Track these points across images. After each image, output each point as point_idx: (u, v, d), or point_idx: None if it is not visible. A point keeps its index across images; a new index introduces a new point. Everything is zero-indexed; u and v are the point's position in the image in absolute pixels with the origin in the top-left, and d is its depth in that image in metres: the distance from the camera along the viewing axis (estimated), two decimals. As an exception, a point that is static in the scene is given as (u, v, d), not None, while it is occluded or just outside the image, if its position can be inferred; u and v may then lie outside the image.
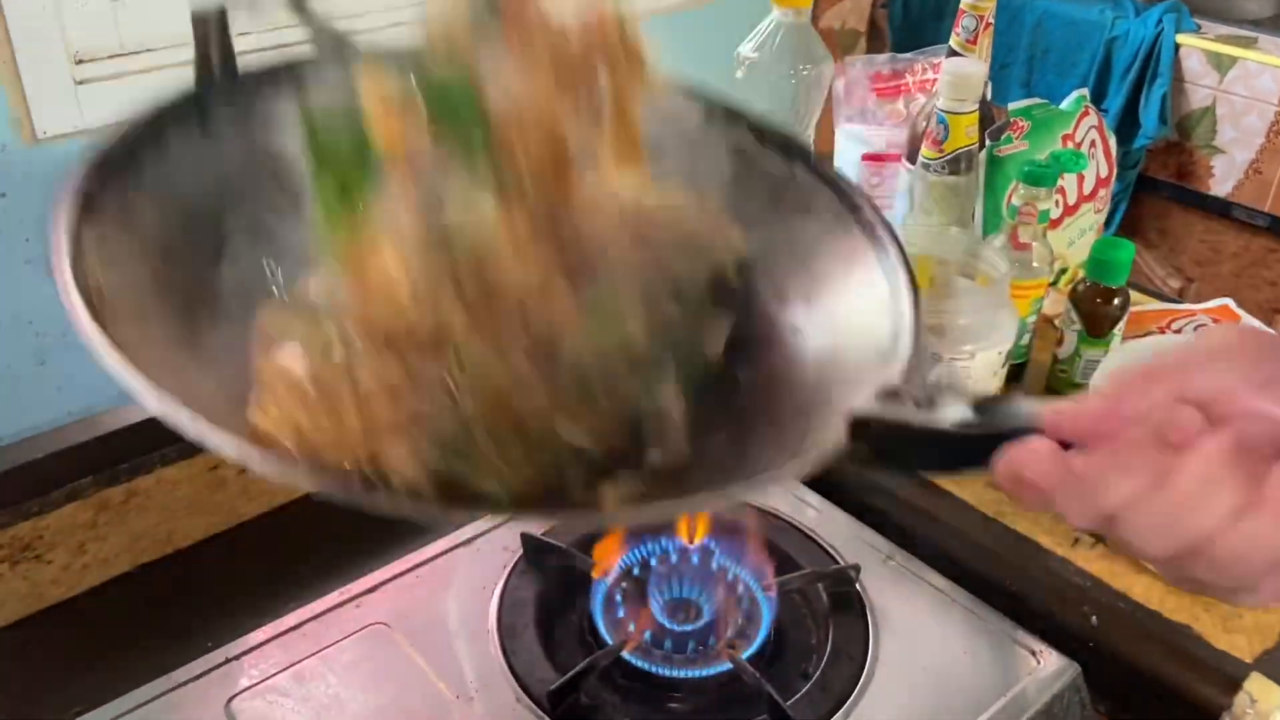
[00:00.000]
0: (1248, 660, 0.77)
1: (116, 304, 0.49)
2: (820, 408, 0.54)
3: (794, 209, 0.65)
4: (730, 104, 0.66)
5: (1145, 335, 1.07)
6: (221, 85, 0.64)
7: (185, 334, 0.54)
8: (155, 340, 0.51)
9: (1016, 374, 1.07)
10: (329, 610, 0.80)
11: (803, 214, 0.65)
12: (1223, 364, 0.43)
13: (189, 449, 0.85)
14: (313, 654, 0.77)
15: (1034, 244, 1.00)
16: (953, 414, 0.46)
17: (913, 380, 0.50)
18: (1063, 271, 1.14)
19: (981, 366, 0.94)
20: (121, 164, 0.56)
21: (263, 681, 0.75)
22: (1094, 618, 0.83)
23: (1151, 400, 0.42)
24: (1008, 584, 0.85)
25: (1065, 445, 0.43)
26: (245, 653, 0.77)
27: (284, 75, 0.61)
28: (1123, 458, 0.42)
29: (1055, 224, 1.10)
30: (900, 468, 0.52)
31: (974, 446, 0.45)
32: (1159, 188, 2.08)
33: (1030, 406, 0.46)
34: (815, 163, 0.65)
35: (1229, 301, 1.16)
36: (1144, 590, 0.84)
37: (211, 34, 0.63)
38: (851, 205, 0.63)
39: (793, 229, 0.65)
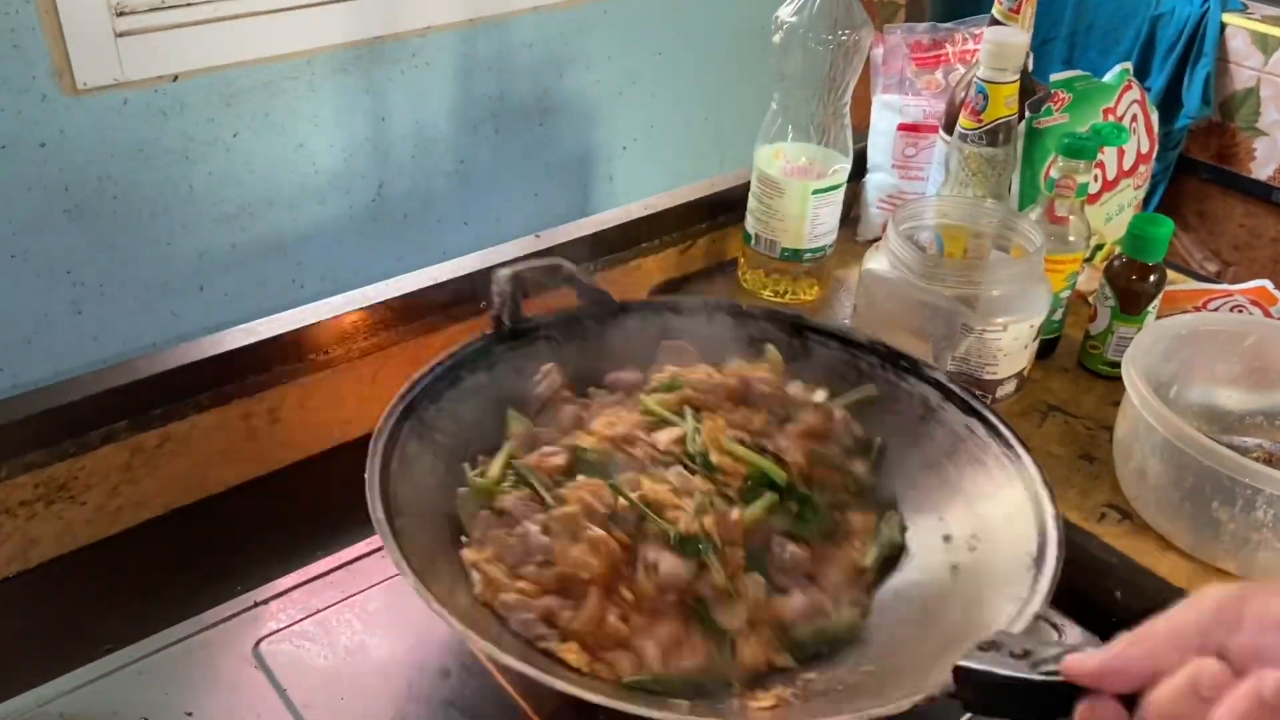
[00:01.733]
0: (1273, 640, 0.77)
1: (403, 501, 0.70)
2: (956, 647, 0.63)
3: (969, 460, 0.80)
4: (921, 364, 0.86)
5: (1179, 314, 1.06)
6: (507, 334, 0.85)
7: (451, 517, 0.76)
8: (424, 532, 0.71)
9: (1048, 349, 1.07)
10: (356, 560, 0.82)
11: (974, 465, 0.80)
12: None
13: (223, 396, 0.86)
14: (339, 601, 0.78)
15: (1071, 218, 0.99)
16: (1043, 666, 0.53)
17: (1010, 635, 0.57)
18: (1099, 248, 1.13)
19: (1012, 339, 0.94)
20: (428, 393, 0.79)
21: (290, 626, 0.76)
22: (1119, 593, 0.83)
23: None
24: (1032, 557, 0.84)
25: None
26: (274, 597, 0.78)
27: (551, 328, 0.87)
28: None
29: (1093, 199, 1.08)
30: (1000, 714, 0.57)
31: (1060, 695, 0.51)
32: (1199, 169, 2.05)
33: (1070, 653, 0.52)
34: (991, 423, 0.80)
35: (1266, 283, 1.14)
36: (1170, 568, 0.83)
37: (506, 295, 0.83)
38: (1018, 463, 0.77)
39: (964, 477, 0.80)
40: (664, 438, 0.78)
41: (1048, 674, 0.53)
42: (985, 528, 0.77)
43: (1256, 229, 2.01)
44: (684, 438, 0.78)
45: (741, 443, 0.78)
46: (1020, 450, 0.78)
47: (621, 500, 0.72)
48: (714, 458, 0.76)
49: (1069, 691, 0.51)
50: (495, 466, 0.78)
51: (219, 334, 0.87)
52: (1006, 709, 0.56)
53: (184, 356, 0.84)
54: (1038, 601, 0.67)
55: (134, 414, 0.81)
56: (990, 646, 0.56)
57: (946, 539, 0.79)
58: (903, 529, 0.80)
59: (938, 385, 0.84)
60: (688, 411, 0.81)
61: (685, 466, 0.76)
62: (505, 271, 0.83)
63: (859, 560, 0.77)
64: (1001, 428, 0.80)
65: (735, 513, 0.73)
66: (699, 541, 0.71)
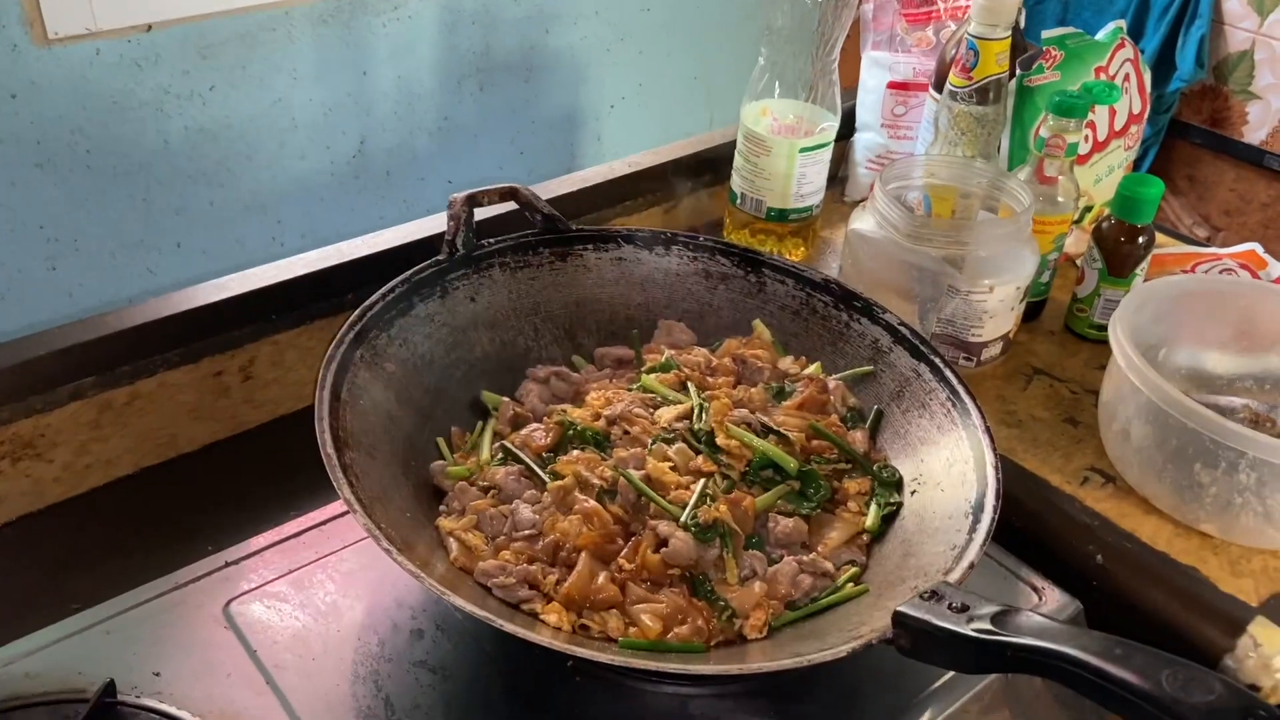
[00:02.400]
0: (1253, 604, 0.76)
1: (357, 436, 0.70)
2: (893, 591, 0.68)
3: (914, 404, 0.81)
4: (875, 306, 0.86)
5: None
6: (459, 261, 0.84)
7: (403, 457, 0.75)
8: (373, 463, 0.71)
9: (1034, 312, 1.05)
10: (330, 520, 0.80)
11: (920, 409, 0.80)
12: None
13: (193, 353, 0.84)
14: (312, 562, 0.77)
15: (1060, 178, 0.97)
16: (977, 622, 0.55)
17: (957, 586, 0.60)
18: (1087, 210, 1.11)
19: (998, 301, 0.92)
20: (379, 322, 0.78)
21: (262, 586, 0.75)
22: (1099, 556, 0.82)
23: None
24: (1014, 520, 0.84)
25: None
26: (246, 557, 0.77)
27: (506, 255, 0.87)
28: None
29: (1083, 159, 1.07)
30: (930, 661, 0.59)
31: (993, 653, 0.54)
32: (1190, 133, 2.03)
33: (1039, 621, 0.54)
34: (938, 368, 0.80)
35: (1256, 246, 1.13)
36: (1152, 531, 0.83)
37: (460, 220, 0.83)
38: (963, 410, 0.77)
39: (909, 421, 0.81)
40: (668, 414, 0.78)
41: (981, 631, 0.54)
42: (927, 472, 0.77)
43: (1247, 194, 2.00)
44: (690, 413, 0.78)
45: (747, 425, 0.78)
46: (965, 396, 0.78)
47: (621, 479, 0.73)
48: (719, 439, 0.76)
49: (998, 652, 0.53)
50: (485, 450, 0.78)
51: (190, 289, 0.85)
52: (940, 658, 0.57)
53: (153, 312, 0.82)
54: (974, 551, 0.67)
55: (102, 370, 0.80)
56: (931, 596, 0.58)
57: None
58: (899, 483, 0.79)
59: (889, 328, 0.84)
60: (691, 388, 0.81)
61: (689, 444, 0.76)
62: (459, 195, 0.82)
63: (858, 524, 0.76)
64: (948, 373, 0.80)
65: (748, 500, 0.73)
66: (718, 530, 0.71)
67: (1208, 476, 0.80)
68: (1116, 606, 0.80)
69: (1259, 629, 0.75)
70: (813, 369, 0.86)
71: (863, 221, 0.95)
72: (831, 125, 1.05)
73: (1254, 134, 1.95)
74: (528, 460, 0.76)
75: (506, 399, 0.83)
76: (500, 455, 0.77)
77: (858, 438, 0.81)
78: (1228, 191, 2.02)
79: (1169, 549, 0.81)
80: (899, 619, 0.58)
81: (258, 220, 1.36)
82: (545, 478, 0.74)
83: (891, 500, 0.77)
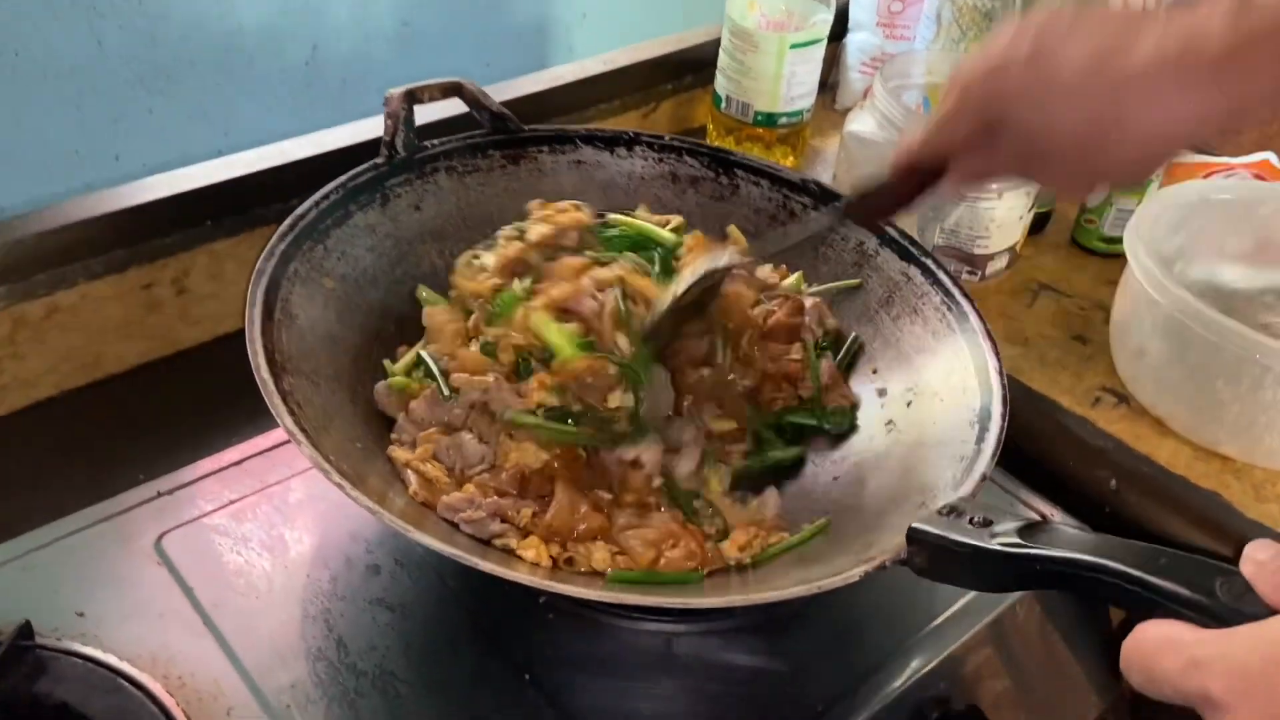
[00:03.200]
0: (1280, 530, 0.71)
1: (295, 360, 0.63)
2: (898, 509, 0.63)
3: (905, 310, 0.75)
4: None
5: (1182, 187, 0.98)
6: (400, 164, 0.76)
7: (348, 383, 0.68)
8: (316, 389, 0.64)
9: (1038, 225, 0.98)
10: (275, 447, 0.73)
11: (911, 314, 0.74)
12: None
13: (117, 262, 0.75)
14: (255, 492, 0.70)
15: (1072, 76, 0.90)
16: (1002, 537, 0.50)
17: (975, 501, 0.55)
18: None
19: (1007, 208, 0.85)
20: (313, 232, 0.70)
21: (198, 519, 0.68)
22: (1113, 481, 0.77)
23: None
24: (1021, 444, 0.77)
25: None
26: (181, 487, 0.70)
27: (452, 158, 0.79)
28: None
29: (1095, 58, 0.99)
30: (950, 580, 0.54)
31: (1021, 568, 0.49)
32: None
33: (1071, 533, 0.50)
34: (930, 270, 0.74)
35: (1270, 155, 1.07)
36: (1170, 454, 0.77)
37: (399, 118, 0.75)
38: (959, 315, 0.71)
39: (900, 328, 0.75)
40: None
41: (1008, 545, 0.50)
42: (923, 382, 0.72)
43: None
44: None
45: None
46: (961, 299, 0.72)
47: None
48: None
49: (1027, 566, 0.48)
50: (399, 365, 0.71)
51: (111, 189, 0.76)
52: (960, 577, 0.53)
53: (68, 215, 0.73)
54: (984, 462, 0.62)
55: (13, 280, 0.71)
56: (949, 512, 0.53)
57: (881, 393, 0.74)
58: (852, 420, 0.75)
59: (875, 230, 0.77)
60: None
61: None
62: (396, 91, 0.74)
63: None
64: (941, 275, 0.74)
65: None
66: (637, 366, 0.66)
67: (1230, 394, 0.74)
68: (1131, 533, 0.75)
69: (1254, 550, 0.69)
70: (792, 280, 0.79)
71: (860, 123, 0.87)
72: (824, 19, 0.97)
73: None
74: (437, 375, 0.68)
75: (443, 299, 0.75)
76: (422, 372, 0.70)
77: (825, 368, 0.74)
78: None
79: (1188, 472, 0.75)
80: (914, 536, 0.53)
81: (202, 132, 1.26)
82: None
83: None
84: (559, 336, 0.66)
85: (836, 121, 1.09)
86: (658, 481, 0.66)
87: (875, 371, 0.75)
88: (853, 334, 0.77)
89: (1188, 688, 0.37)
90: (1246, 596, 0.41)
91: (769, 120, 1.00)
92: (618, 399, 0.66)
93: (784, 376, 0.74)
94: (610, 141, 0.83)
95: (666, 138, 0.83)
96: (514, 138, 0.81)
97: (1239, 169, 1.05)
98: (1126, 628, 0.41)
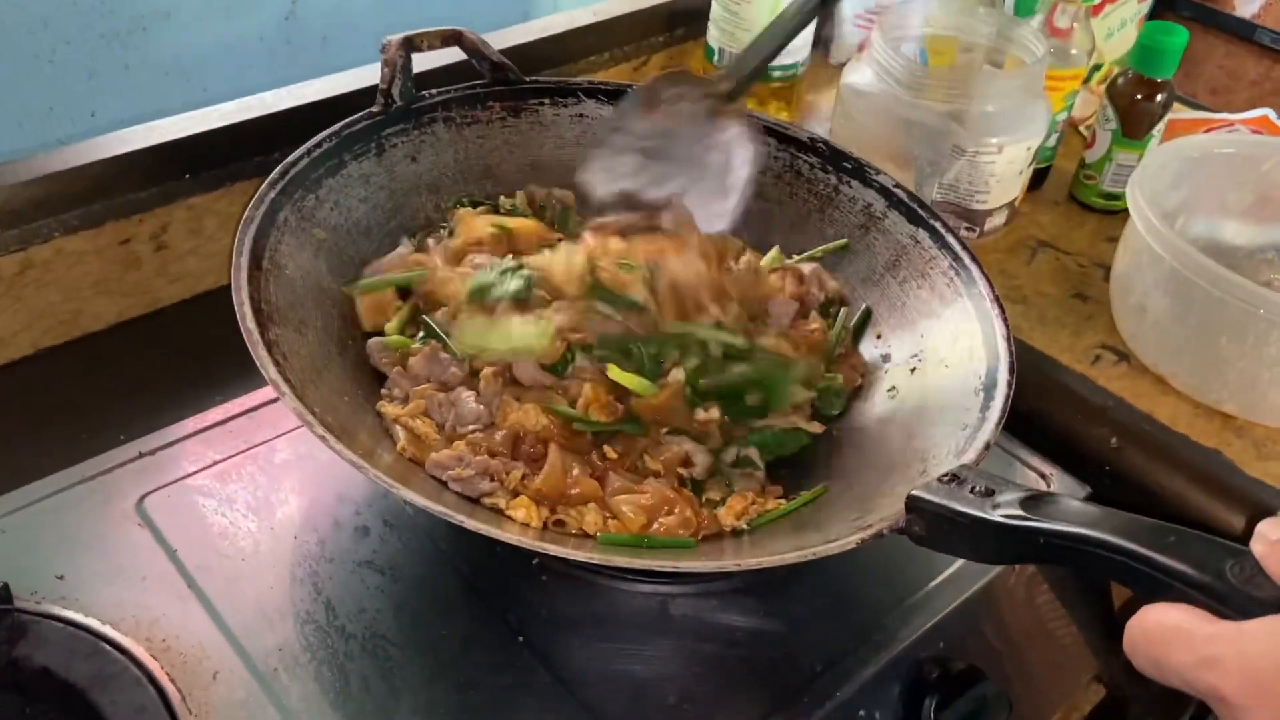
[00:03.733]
0: (1283, 488, 0.70)
1: (283, 311, 0.61)
2: (899, 476, 0.61)
3: (912, 274, 0.73)
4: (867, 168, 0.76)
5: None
6: (397, 114, 0.74)
7: (338, 336, 0.66)
8: (303, 340, 0.62)
9: (1037, 181, 0.97)
10: (260, 406, 0.71)
11: (919, 279, 0.72)
12: None
13: (93, 217, 0.73)
14: (240, 452, 0.68)
15: (1074, 27, 0.88)
16: (1004, 508, 0.48)
17: (977, 470, 0.53)
18: (1096, 68, 1.02)
19: (1007, 163, 0.83)
20: (304, 181, 0.68)
21: (181, 479, 0.66)
22: (1114, 440, 0.75)
23: None
24: (1021, 402, 0.76)
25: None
26: (163, 447, 0.68)
27: (450, 108, 0.77)
28: None
29: (1097, 10, 0.97)
30: (948, 550, 0.53)
31: (1022, 541, 0.47)
32: (1178, 6, 1.93)
33: (1075, 506, 0.47)
34: (939, 233, 0.72)
35: (1269, 112, 1.05)
36: (1170, 412, 0.76)
37: (396, 67, 0.72)
38: (968, 279, 0.69)
39: (907, 292, 0.73)
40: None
41: (1010, 517, 0.48)
42: (928, 348, 0.70)
43: (1236, 71, 1.91)
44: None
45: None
46: (970, 263, 0.70)
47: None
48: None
49: (1029, 539, 0.47)
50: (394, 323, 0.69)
51: (85, 142, 0.74)
52: (959, 548, 0.51)
53: (40, 167, 0.71)
54: (988, 430, 0.60)
55: (-15, 234, 0.69)
56: (950, 480, 0.52)
57: (885, 359, 0.72)
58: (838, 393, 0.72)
59: (883, 191, 0.75)
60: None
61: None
62: (394, 38, 0.72)
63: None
64: (950, 239, 0.72)
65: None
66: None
67: (1233, 351, 0.73)
68: (1132, 492, 0.74)
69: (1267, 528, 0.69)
70: (772, 255, 0.77)
71: (857, 75, 0.85)
72: (820, -31, 0.94)
73: (1246, 7, 1.86)
74: (441, 335, 0.66)
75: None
76: (422, 332, 0.68)
77: (829, 337, 0.73)
78: (1216, 69, 1.93)
79: (1189, 430, 0.74)
80: (913, 504, 0.52)
81: (179, 87, 1.23)
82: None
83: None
84: (627, 380, 0.64)
85: (831, 76, 1.07)
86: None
87: (880, 337, 0.73)
88: (863, 304, 0.75)
89: (1199, 684, 0.36)
90: (1257, 579, 0.39)
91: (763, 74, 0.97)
92: (702, 414, 0.65)
93: (810, 349, 0.72)
94: (614, 95, 0.80)
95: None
96: (514, 89, 0.79)
97: (1238, 125, 1.03)
98: (1130, 603, 0.40)
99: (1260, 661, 0.35)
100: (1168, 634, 0.38)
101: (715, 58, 0.99)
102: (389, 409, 0.64)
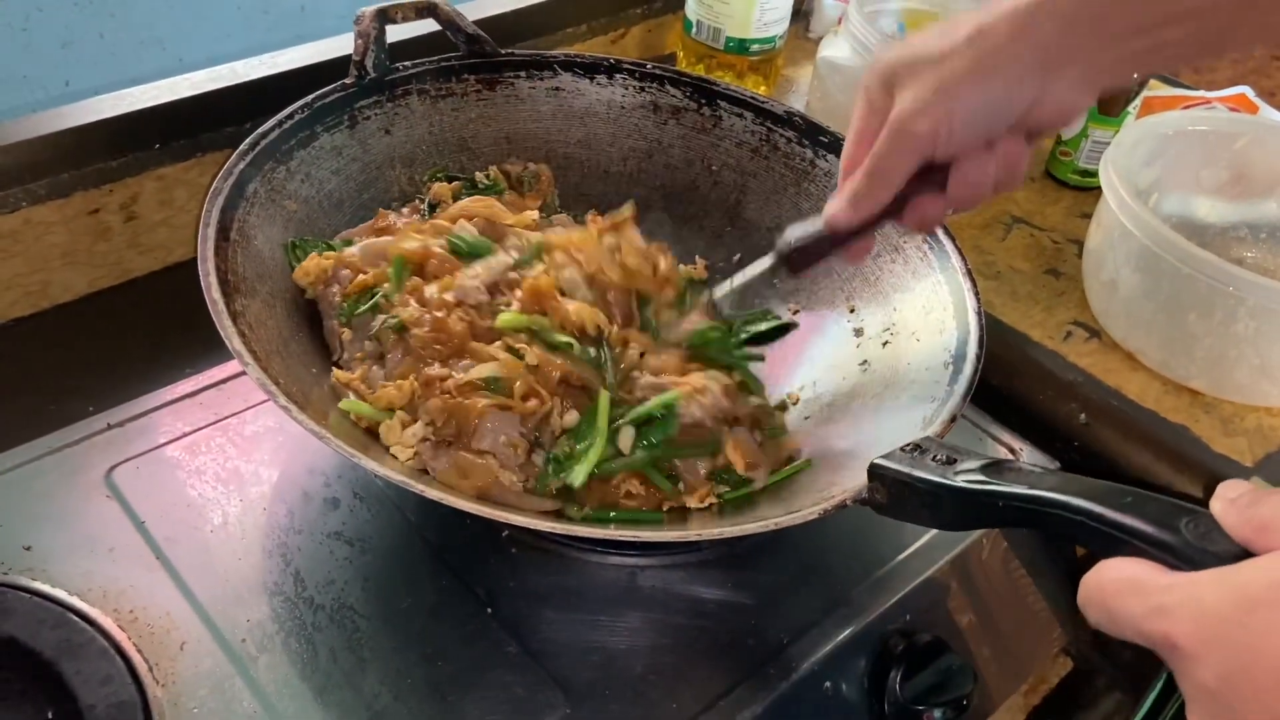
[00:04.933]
0: (1248, 464, 0.71)
1: (250, 282, 0.61)
2: (867, 449, 0.59)
3: (885, 247, 0.72)
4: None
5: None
6: (370, 86, 0.73)
7: (306, 308, 0.66)
8: (270, 312, 0.62)
9: (1014, 157, 0.97)
10: (230, 379, 0.71)
11: (892, 252, 0.72)
12: None
13: (61, 186, 0.72)
14: (209, 424, 0.68)
15: (1051, 3, 0.87)
16: (965, 475, 0.49)
17: (940, 441, 0.53)
18: (1075, 45, 1.02)
19: (981, 138, 0.83)
20: (275, 153, 0.67)
21: (150, 451, 0.66)
22: (1083, 415, 0.76)
23: None
24: (991, 378, 0.77)
25: None
26: (132, 419, 0.67)
27: (424, 80, 0.76)
28: None
29: (1074, -15, 0.96)
30: (910, 518, 0.52)
31: (983, 506, 0.48)
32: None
33: (1033, 471, 0.48)
34: None
35: (1247, 90, 1.05)
36: (1139, 388, 0.76)
37: (369, 38, 0.72)
38: (941, 253, 0.70)
39: (880, 265, 0.73)
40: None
41: (971, 482, 0.48)
42: (900, 321, 0.70)
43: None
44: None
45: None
46: (943, 237, 0.70)
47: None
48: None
49: (990, 504, 0.47)
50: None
51: (52, 110, 0.73)
52: (921, 515, 0.52)
53: (6, 135, 0.70)
54: (955, 402, 0.61)
55: (-51, 204, 0.68)
56: (913, 450, 0.52)
57: (858, 333, 0.73)
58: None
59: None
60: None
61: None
62: (368, 9, 0.71)
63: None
64: None
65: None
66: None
67: (1201, 328, 0.74)
68: (1100, 467, 0.74)
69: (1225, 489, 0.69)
70: (690, 271, 0.77)
71: (834, 48, 0.85)
72: (799, -59, 0.94)
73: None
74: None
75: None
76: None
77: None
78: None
79: (1157, 407, 0.75)
80: (875, 472, 0.52)
81: (154, 57, 1.22)
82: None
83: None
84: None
85: (809, 51, 1.06)
86: None
87: (853, 311, 0.74)
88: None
89: (1151, 631, 0.36)
90: (1212, 535, 0.40)
91: (741, 47, 0.97)
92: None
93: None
94: (590, 68, 0.80)
95: (649, 65, 0.80)
96: (490, 61, 0.79)
97: (1215, 103, 1.03)
98: (1089, 562, 0.40)
99: (1212, 609, 0.35)
100: (1121, 585, 0.38)
101: (693, 30, 0.98)
102: (341, 375, 0.64)
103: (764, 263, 0.63)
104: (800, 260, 0.61)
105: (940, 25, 0.54)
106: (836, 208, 0.58)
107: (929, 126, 0.53)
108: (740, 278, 0.65)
